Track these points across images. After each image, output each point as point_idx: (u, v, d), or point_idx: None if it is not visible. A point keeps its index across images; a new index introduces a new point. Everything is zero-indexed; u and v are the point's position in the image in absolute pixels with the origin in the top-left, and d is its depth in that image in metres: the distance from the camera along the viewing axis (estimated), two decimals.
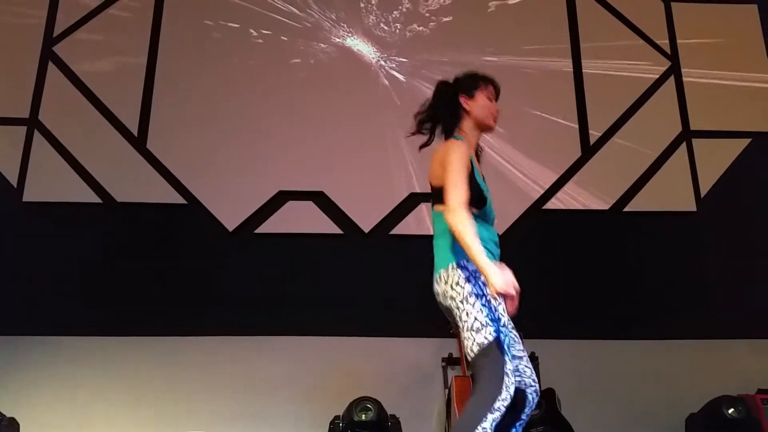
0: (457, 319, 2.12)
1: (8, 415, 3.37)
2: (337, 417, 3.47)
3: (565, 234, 4.25)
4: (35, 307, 3.86)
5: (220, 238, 4.06)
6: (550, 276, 4.12)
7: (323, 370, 3.79)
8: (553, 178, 4.31)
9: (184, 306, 3.91)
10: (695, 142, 4.50)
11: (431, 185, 2.28)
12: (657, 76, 4.64)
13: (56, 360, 3.73)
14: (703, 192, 4.37)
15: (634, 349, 3.98)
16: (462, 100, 2.28)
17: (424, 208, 4.13)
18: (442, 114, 2.30)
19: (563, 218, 4.28)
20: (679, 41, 4.75)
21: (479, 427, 1.89)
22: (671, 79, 4.64)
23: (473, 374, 2.14)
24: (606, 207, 4.28)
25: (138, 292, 3.93)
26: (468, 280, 2.13)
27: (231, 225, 4.07)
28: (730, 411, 3.45)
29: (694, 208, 4.31)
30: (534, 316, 3.77)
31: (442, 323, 3.72)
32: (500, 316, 2.16)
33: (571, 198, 4.29)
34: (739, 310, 4.10)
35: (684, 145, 4.48)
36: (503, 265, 2.05)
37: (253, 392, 3.74)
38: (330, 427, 3.45)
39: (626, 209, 4.29)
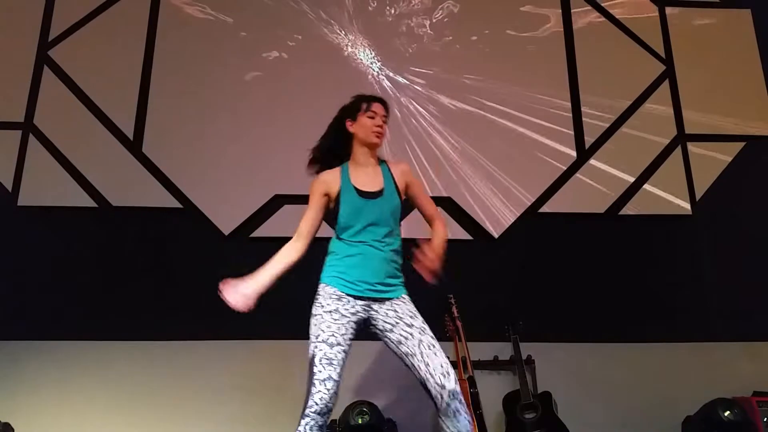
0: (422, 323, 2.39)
1: (3, 420, 3.36)
2: (333, 421, 3.46)
3: (560, 237, 4.26)
4: (30, 311, 3.85)
5: (215, 242, 4.05)
6: (546, 279, 4.13)
7: None
8: (548, 181, 4.32)
9: (180, 310, 3.89)
10: (690, 145, 4.52)
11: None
12: (652, 80, 4.66)
13: (51, 364, 3.72)
14: (699, 195, 4.38)
15: (630, 352, 3.99)
16: (347, 124, 2.56)
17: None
18: (330, 142, 2.60)
19: (559, 222, 4.29)
20: (673, 45, 4.77)
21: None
22: (666, 83, 4.66)
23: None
24: (602, 210, 4.29)
25: (133, 296, 3.92)
26: None
27: (227, 229, 4.07)
28: (726, 413, 3.45)
29: (689, 212, 4.32)
30: (530, 320, 3.81)
31: (437, 327, 3.74)
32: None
33: (566, 201, 4.30)
34: (734, 313, 4.11)
35: (679, 149, 4.50)
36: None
37: (249, 396, 3.73)
38: None
39: (622, 212, 4.30)
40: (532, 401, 3.47)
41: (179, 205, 4.11)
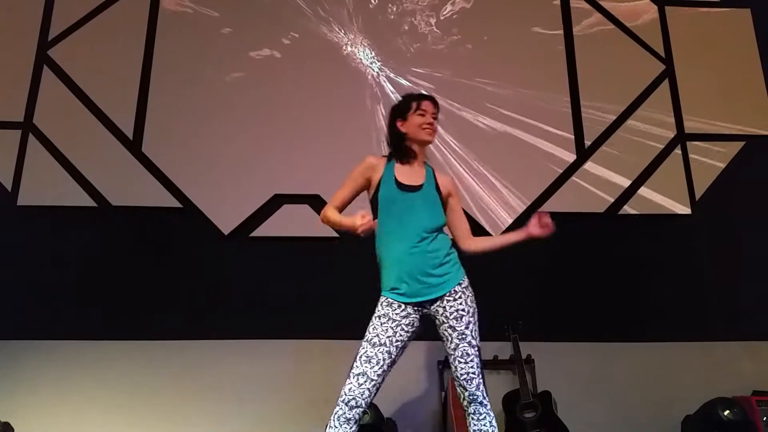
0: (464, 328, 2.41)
1: (2, 419, 3.36)
2: None
3: (560, 237, 4.23)
4: (29, 310, 3.85)
5: (215, 241, 4.05)
6: (546, 279, 4.13)
7: (319, 373, 3.78)
8: (548, 181, 4.32)
9: (180, 310, 3.90)
10: (690, 145, 4.52)
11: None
12: (651, 80, 4.66)
13: (51, 364, 3.72)
14: (698, 195, 4.39)
15: (629, 352, 3.99)
16: (398, 124, 2.58)
17: None
18: (391, 142, 2.64)
19: (559, 221, 4.25)
20: (673, 44, 4.77)
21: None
22: (666, 82, 4.67)
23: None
24: (601, 210, 4.29)
25: (133, 295, 3.92)
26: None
27: (226, 228, 4.07)
28: (726, 413, 3.46)
29: (689, 211, 4.33)
30: (530, 319, 3.81)
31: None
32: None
33: (566, 201, 4.30)
34: (733, 312, 4.12)
35: (678, 148, 4.50)
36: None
37: (248, 396, 3.73)
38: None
39: (621, 212, 4.30)
40: (532, 401, 3.46)
41: (179, 205, 4.11)
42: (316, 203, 4.13)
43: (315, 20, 4.61)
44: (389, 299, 2.43)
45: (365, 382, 2.30)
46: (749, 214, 4.38)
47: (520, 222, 4.21)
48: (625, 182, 4.36)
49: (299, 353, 3.82)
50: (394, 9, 4.70)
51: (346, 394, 2.28)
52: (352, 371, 2.32)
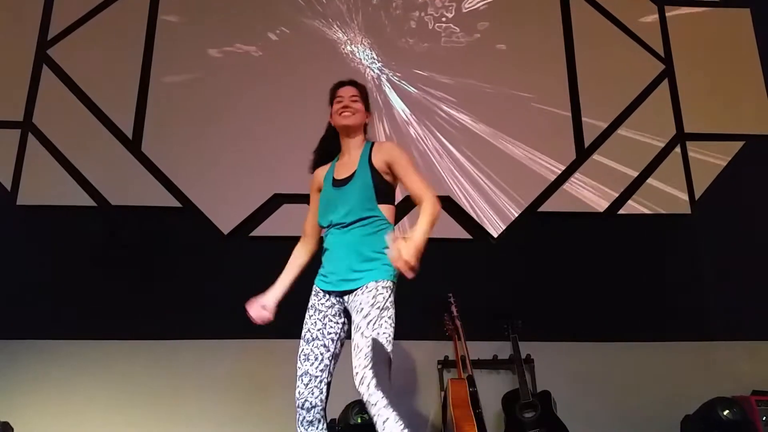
0: (361, 319, 2.19)
1: (2, 419, 3.36)
2: (333, 420, 3.46)
3: (560, 237, 4.26)
4: (29, 310, 3.84)
5: (215, 241, 4.05)
6: (546, 278, 4.13)
7: None
8: (547, 181, 4.32)
9: (179, 309, 3.89)
10: (689, 144, 4.52)
11: None
12: (651, 79, 4.66)
13: (50, 364, 3.71)
14: (698, 194, 4.39)
15: (629, 351, 3.99)
16: (330, 121, 2.60)
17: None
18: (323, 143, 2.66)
19: (558, 221, 4.29)
20: (672, 44, 4.77)
21: None
22: (665, 82, 4.66)
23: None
24: (601, 210, 4.29)
25: (132, 295, 3.92)
26: None
27: (226, 228, 4.07)
28: (726, 413, 3.46)
29: (688, 211, 4.33)
30: (530, 319, 3.81)
31: (438, 326, 3.75)
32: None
33: (565, 201, 4.30)
34: (733, 312, 4.12)
35: (678, 148, 4.50)
36: None
37: (248, 395, 3.73)
38: None
39: (621, 212, 4.30)
40: (532, 400, 3.47)
41: (178, 204, 4.11)
42: None
43: (311, 16, 4.60)
44: (316, 287, 2.44)
45: (310, 381, 2.30)
46: (749, 214, 4.39)
47: (518, 222, 4.22)
48: (625, 182, 4.36)
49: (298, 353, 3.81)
50: (398, 3, 4.68)
51: (296, 398, 2.30)
52: (297, 373, 2.33)
